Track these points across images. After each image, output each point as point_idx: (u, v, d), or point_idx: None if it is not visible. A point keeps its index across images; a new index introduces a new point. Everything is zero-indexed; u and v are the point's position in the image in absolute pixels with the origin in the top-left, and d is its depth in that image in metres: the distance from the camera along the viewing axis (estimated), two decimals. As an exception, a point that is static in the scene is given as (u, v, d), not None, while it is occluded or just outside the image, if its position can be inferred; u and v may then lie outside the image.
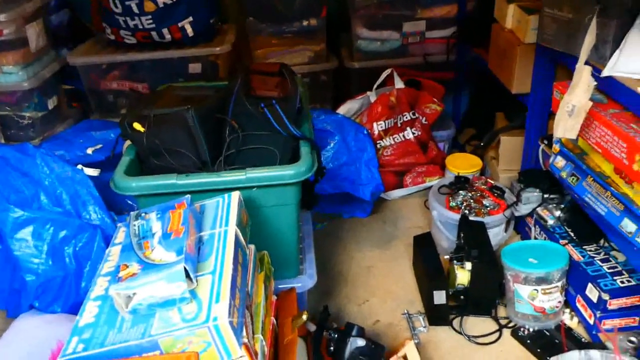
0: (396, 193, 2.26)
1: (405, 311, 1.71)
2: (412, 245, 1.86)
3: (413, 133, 2.21)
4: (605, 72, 1.29)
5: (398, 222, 2.17)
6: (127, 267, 0.95)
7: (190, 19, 2.17)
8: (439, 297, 1.63)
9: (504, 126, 2.10)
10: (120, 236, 1.13)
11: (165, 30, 2.17)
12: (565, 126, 1.21)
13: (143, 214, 1.11)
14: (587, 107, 1.20)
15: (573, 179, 1.52)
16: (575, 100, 1.18)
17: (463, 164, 2.14)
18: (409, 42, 2.48)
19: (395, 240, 2.07)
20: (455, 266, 1.68)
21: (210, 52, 2.21)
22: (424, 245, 1.80)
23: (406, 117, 2.21)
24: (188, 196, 1.12)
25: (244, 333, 0.96)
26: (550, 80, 1.64)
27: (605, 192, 1.38)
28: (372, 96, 2.21)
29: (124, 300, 0.91)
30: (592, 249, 1.61)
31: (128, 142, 1.41)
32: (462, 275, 1.67)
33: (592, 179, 1.44)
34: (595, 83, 1.30)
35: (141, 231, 1.05)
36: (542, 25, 1.55)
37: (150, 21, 2.12)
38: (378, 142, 2.18)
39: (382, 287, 1.84)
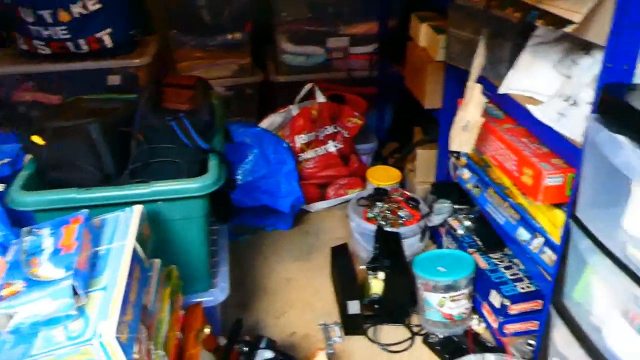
0: (318, 205, 2.28)
1: (322, 322, 1.73)
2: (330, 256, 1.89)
3: (335, 146, 2.25)
4: (501, 90, 1.37)
5: (320, 233, 2.19)
6: (11, 285, 0.92)
7: (109, 30, 2.13)
8: (353, 307, 1.66)
9: (419, 140, 2.17)
10: (10, 254, 1.09)
11: (81, 41, 2.11)
12: (460, 140, 1.27)
13: (35, 230, 1.07)
14: (480, 123, 1.27)
15: (477, 190, 1.59)
16: (468, 116, 1.24)
17: (383, 176, 2.20)
18: (333, 57, 2.53)
19: (316, 251, 2.09)
20: (370, 276, 1.72)
21: (129, 64, 2.17)
22: (340, 256, 1.83)
23: (328, 131, 2.25)
24: (85, 211, 1.10)
25: (136, 349, 0.94)
26: (459, 96, 1.71)
27: (504, 202, 1.46)
28: (294, 110, 2.24)
29: (4, 320, 0.87)
30: (497, 256, 1.69)
31: (29, 156, 1.36)
32: (376, 285, 1.71)
33: (493, 190, 1.51)
34: (487, 100, 1.37)
35: (30, 248, 1.01)
36: (448, 45, 1.62)
37: (66, 32, 2.07)
38: (300, 155, 2.20)
39: (300, 299, 1.86)
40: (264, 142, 1.93)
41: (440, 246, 1.96)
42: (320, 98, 2.22)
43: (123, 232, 1.10)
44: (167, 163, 1.32)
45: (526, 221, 1.36)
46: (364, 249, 1.93)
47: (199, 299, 1.41)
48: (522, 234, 1.38)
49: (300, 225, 2.23)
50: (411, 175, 2.22)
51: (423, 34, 1.89)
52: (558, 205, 1.23)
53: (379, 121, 2.66)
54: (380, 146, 2.56)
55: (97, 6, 2.05)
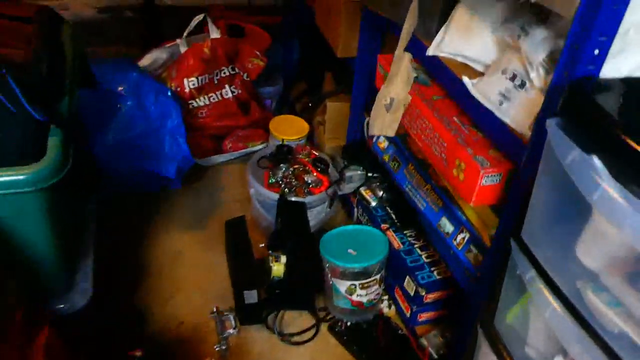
0: (214, 159, 1.98)
1: (214, 309, 1.49)
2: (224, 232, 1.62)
3: (232, 92, 1.92)
4: (430, 51, 1.11)
5: (215, 194, 1.90)
6: None
7: None
8: (250, 297, 1.43)
9: (330, 90, 1.89)
10: None
11: None
12: (382, 123, 1.02)
13: None
14: (407, 101, 1.01)
15: (395, 164, 1.36)
16: (393, 93, 0.98)
17: (289, 128, 1.91)
18: (233, -20, 2.13)
19: (210, 217, 1.81)
20: (271, 257, 1.48)
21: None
22: (236, 233, 1.57)
23: (224, 73, 1.90)
24: None
25: None
26: (377, 49, 1.43)
27: (426, 184, 1.25)
28: (182, 46, 1.85)
29: None
30: (413, 234, 1.51)
31: None
32: (278, 268, 1.48)
33: (413, 167, 1.29)
34: (415, 68, 1.11)
35: None
36: (366, -18, 1.32)
37: None
38: (190, 102, 1.85)
39: (191, 279, 1.59)
40: (142, 90, 1.55)
41: (350, 216, 1.75)
42: (215, 33, 1.85)
43: None
44: (-14, 139, 0.95)
45: (451, 211, 1.16)
46: (265, 219, 1.68)
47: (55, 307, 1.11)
48: (445, 225, 1.18)
49: (193, 183, 1.92)
50: (320, 130, 1.96)
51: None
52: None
53: (286, 58, 2.32)
54: (286, 87, 2.25)
55: None
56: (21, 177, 0.89)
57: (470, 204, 0.96)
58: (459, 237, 1.14)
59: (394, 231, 1.52)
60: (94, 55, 2.14)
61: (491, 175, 0.94)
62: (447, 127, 1.03)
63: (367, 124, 1.51)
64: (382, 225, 1.54)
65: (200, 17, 1.83)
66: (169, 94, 1.61)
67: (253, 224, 1.73)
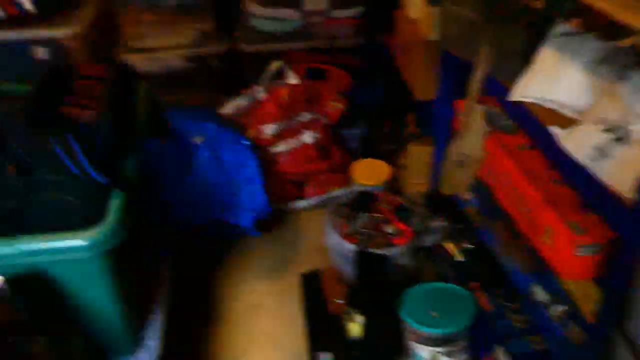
0: (297, 205, 1.93)
1: (288, 368, 1.41)
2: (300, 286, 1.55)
3: (312, 136, 1.87)
4: (513, 96, 0.98)
5: (295, 242, 1.85)
6: None
7: (28, -9, 1.72)
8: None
9: (412, 133, 1.79)
10: None
11: (-7, 5, 1.71)
12: (455, 181, 0.90)
13: None
14: (482, 158, 0.89)
15: (479, 218, 1.22)
16: (466, 149, 0.87)
17: (370, 173, 1.82)
18: (311, 22, 2.11)
19: (289, 266, 1.75)
20: (347, 315, 1.39)
21: (53, 34, 1.76)
22: (311, 287, 1.49)
23: (303, 118, 1.86)
24: None
25: None
26: (458, 93, 1.32)
27: (515, 244, 1.10)
28: (259, 92, 1.84)
29: None
30: (505, 295, 1.34)
31: None
32: (355, 328, 1.38)
33: (500, 222, 1.15)
34: (498, 113, 0.98)
35: None
36: (443, 22, 1.22)
37: (-27, -4, 1.66)
38: (269, 148, 1.83)
39: (265, 333, 1.53)
40: (218, 140, 1.55)
41: (434, 271, 1.61)
42: (292, 79, 1.82)
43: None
44: (52, 201, 0.97)
45: (545, 278, 1.01)
46: (343, 271, 1.59)
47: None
48: (538, 292, 1.02)
49: (273, 230, 1.87)
50: (403, 175, 1.85)
51: (414, 1, 1.46)
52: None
53: (369, 99, 2.25)
54: (370, 129, 2.16)
55: (8, -37, 1.64)
56: (78, 243, 0.88)
57: (561, 276, 0.81)
58: (554, 308, 0.98)
59: (482, 290, 1.36)
60: (183, 101, 2.23)
61: (588, 246, 0.78)
62: (533, 184, 0.89)
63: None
64: (470, 284, 1.39)
65: (277, 64, 1.82)
66: (246, 142, 1.59)
67: (331, 277, 1.65)
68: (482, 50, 0.91)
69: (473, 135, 0.90)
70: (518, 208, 0.93)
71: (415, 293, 1.35)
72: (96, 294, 1.00)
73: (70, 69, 1.22)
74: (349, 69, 2.13)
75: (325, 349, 1.31)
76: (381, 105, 2.21)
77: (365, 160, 1.91)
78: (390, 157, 1.95)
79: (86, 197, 0.97)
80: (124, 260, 1.02)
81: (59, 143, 0.94)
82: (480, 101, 1.05)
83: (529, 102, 0.96)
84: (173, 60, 2.12)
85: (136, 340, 1.15)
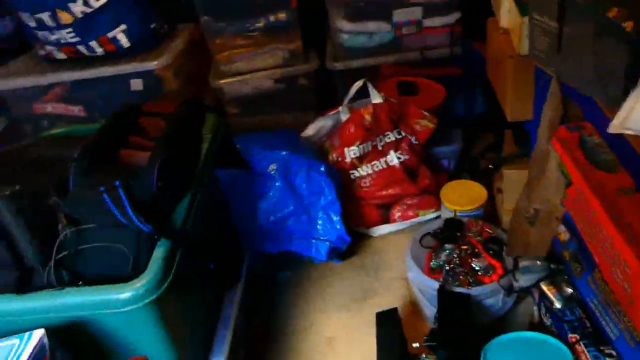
0: (381, 229, 1.82)
1: (360, 413, 1.32)
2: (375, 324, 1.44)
3: (398, 157, 1.75)
4: (612, 128, 0.79)
5: (380, 269, 1.74)
6: None
7: (123, 27, 1.80)
8: (394, 410, 1.22)
9: (509, 153, 1.59)
10: None
11: (93, 43, 1.81)
12: (525, 241, 0.74)
13: None
14: (560, 213, 0.72)
15: (576, 266, 1.03)
16: (537, 202, 0.71)
17: (462, 196, 1.66)
18: (403, 34, 1.98)
19: (372, 296, 1.65)
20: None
21: (145, 67, 1.83)
22: (387, 327, 1.37)
23: (389, 138, 1.75)
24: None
25: None
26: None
27: (619, 305, 0.90)
28: (343, 113, 1.76)
29: None
30: (613, 352, 1.13)
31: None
32: (431, 376, 1.25)
33: (601, 277, 0.95)
34: (597, 144, 0.80)
35: None
36: (532, 35, 1.04)
37: (73, 34, 1.77)
38: (352, 172, 1.73)
39: (339, 371, 1.45)
40: (291, 169, 1.49)
41: (530, 317, 1.41)
42: (376, 97, 1.71)
43: (0, 386, 0.77)
44: (104, 249, 0.96)
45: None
46: (424, 309, 1.46)
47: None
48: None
49: (357, 255, 1.79)
50: (499, 199, 1.66)
51: (506, 10, 1.29)
52: None
53: (467, 112, 2.07)
54: (467, 146, 1.99)
55: (102, 1, 1.71)
56: (122, 295, 0.86)
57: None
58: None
59: (585, 345, 1.15)
60: (274, 122, 2.21)
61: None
62: (634, 247, 0.70)
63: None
64: (570, 336, 1.18)
65: (359, 83, 1.72)
66: (322, 169, 1.52)
67: (412, 313, 1.52)
68: (551, 89, 0.74)
69: (547, 187, 0.73)
70: (612, 271, 0.74)
71: (504, 341, 1.19)
72: (143, 341, 0.98)
73: (137, 107, 1.23)
74: (444, 80, 1.98)
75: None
76: (479, 120, 2.03)
77: (457, 181, 1.74)
78: (486, 179, 1.77)
79: (134, 246, 0.96)
80: (171, 305, 1.00)
81: (108, 192, 0.93)
82: (574, 127, 0.87)
83: (634, 136, 0.78)
84: (262, 81, 2.11)
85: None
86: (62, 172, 1.00)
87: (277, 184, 1.46)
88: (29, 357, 0.80)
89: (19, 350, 0.82)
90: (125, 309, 0.87)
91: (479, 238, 1.48)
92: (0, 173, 1.06)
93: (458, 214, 1.63)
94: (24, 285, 0.94)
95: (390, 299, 1.61)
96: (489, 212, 1.67)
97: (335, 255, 1.61)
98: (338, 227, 1.51)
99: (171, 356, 1.02)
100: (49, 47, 1.86)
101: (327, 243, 1.49)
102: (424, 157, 1.81)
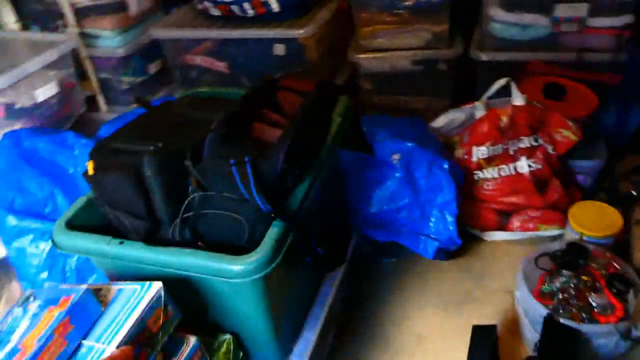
0: (495, 236, 1.75)
1: (438, 419, 1.31)
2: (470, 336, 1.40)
3: (529, 166, 1.64)
4: None
5: (486, 277, 1.68)
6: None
7: (278, -9, 1.84)
8: None
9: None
10: (6, 320, 0.95)
11: (246, 5, 1.88)
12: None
13: (31, 298, 0.91)
14: None
15: None
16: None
17: (594, 220, 1.53)
18: (562, 31, 1.82)
19: (472, 303, 1.60)
20: (514, 388, 1.22)
21: (289, 34, 1.86)
22: (482, 343, 1.33)
23: (523, 143, 1.64)
24: (81, 288, 0.89)
25: None
26: None
27: None
28: (478, 109, 1.68)
29: None
30: None
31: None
32: (519, 406, 1.20)
33: None
34: None
35: (7, 329, 0.85)
36: None
37: (228, -7, 1.85)
38: (476, 172, 1.66)
39: (424, 371, 1.45)
40: (414, 161, 1.46)
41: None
42: (518, 99, 1.61)
43: (119, 324, 0.87)
44: (225, 217, 1.02)
45: None
46: (526, 331, 1.39)
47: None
48: None
49: (465, 257, 1.74)
50: (636, 232, 1.50)
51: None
52: None
53: (618, 126, 1.88)
54: (610, 165, 1.81)
55: (260, -35, 1.76)
56: (234, 267, 0.92)
57: None
58: None
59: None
60: (403, 104, 2.18)
61: None
62: None
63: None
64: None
65: (503, 81, 1.62)
66: (445, 166, 1.47)
67: (511, 331, 1.46)
68: None
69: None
70: None
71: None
72: (244, 310, 1.04)
73: (276, 81, 1.26)
74: (597, 87, 1.80)
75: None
76: (630, 138, 1.83)
77: (591, 202, 1.61)
78: (625, 205, 1.61)
79: (252, 221, 1.01)
80: (276, 282, 1.04)
81: (237, 166, 0.98)
82: None
83: None
84: (401, 61, 2.07)
85: (284, 353, 1.18)
86: (200, 137, 1.06)
87: (397, 174, 1.44)
88: (147, 305, 0.89)
89: (139, 297, 0.91)
90: (234, 280, 0.92)
91: (603, 271, 1.37)
92: (147, 130, 1.15)
93: (584, 238, 1.51)
94: (151, 236, 1.04)
95: (490, 310, 1.55)
96: (621, 244, 1.53)
97: (439, 257, 1.58)
98: (451, 228, 1.47)
99: (267, 327, 1.08)
100: (206, 3, 1.96)
101: (437, 243, 1.46)
102: (559, 169, 1.68)
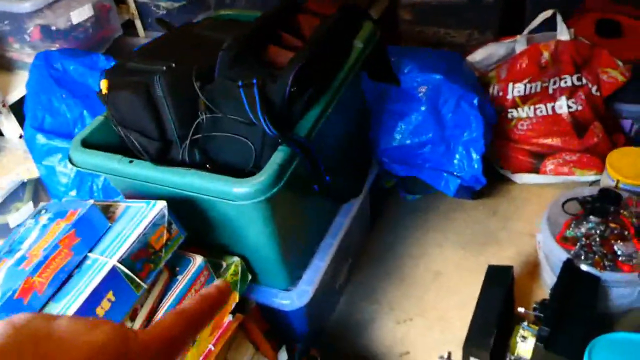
0: (527, 178, 1.68)
1: (446, 354, 1.31)
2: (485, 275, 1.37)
3: (569, 107, 1.55)
4: None
5: (512, 220, 1.63)
6: (-36, 288, 0.82)
7: None
8: (477, 365, 1.19)
9: None
10: (19, 231, 0.99)
11: None
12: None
13: (43, 211, 0.94)
14: None
15: None
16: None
17: (633, 167, 1.45)
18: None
19: (493, 244, 1.57)
20: (522, 330, 1.20)
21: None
22: (496, 283, 1.30)
23: (565, 82, 1.54)
24: (89, 202, 0.91)
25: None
26: None
27: None
28: (519, 44, 1.57)
29: None
30: None
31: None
32: (524, 347, 1.18)
33: None
34: None
35: (18, 239, 0.89)
36: None
37: None
38: (510, 110, 1.58)
39: (438, 307, 1.44)
40: (441, 95, 1.39)
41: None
42: (563, 34, 1.49)
43: (123, 239, 0.89)
44: (233, 141, 1.02)
45: None
46: (545, 276, 1.36)
47: (276, 301, 1.18)
48: None
49: (492, 198, 1.69)
50: (676, 181, 1.41)
51: None
52: None
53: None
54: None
55: None
56: (238, 189, 0.92)
57: None
58: None
59: None
60: (442, 37, 2.07)
61: None
62: None
63: None
64: None
65: (548, 13, 1.50)
66: (475, 102, 1.40)
67: (531, 275, 1.43)
68: None
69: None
70: None
71: (618, 340, 1.07)
72: (250, 233, 1.05)
73: (297, 4, 1.21)
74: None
75: (477, 355, 1.16)
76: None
77: (633, 149, 1.51)
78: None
79: (259, 144, 1.00)
80: (284, 207, 1.04)
81: (244, 88, 0.96)
82: None
83: None
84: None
85: (292, 279, 1.19)
86: (213, 58, 1.04)
87: (422, 107, 1.39)
88: (150, 221, 0.91)
89: (144, 214, 0.93)
90: (238, 203, 0.93)
91: (634, 220, 1.30)
92: (163, 50, 1.14)
93: (620, 185, 1.43)
94: (161, 156, 1.05)
95: (512, 253, 1.52)
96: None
97: (467, 194, 1.54)
98: (476, 166, 1.41)
99: (275, 252, 1.09)
100: None
101: (459, 180, 1.41)
102: (601, 112, 1.57)
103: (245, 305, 1.18)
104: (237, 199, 0.93)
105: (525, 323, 1.20)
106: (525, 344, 1.17)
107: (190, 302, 0.37)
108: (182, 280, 0.99)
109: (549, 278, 1.37)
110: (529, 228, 1.58)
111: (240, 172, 0.99)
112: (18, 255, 0.84)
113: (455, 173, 1.43)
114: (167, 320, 0.34)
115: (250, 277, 1.14)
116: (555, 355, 1.10)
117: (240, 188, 0.92)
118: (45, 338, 0.29)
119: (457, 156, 1.43)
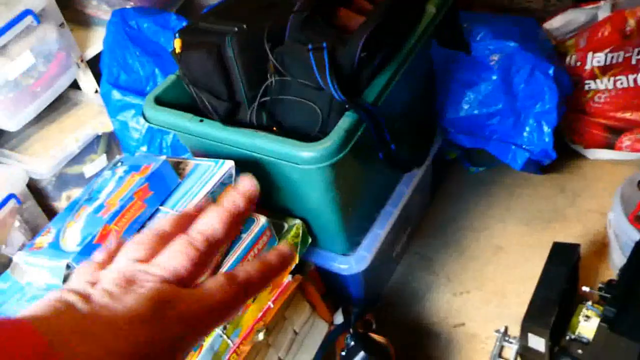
0: (600, 154, 1.61)
1: (502, 329, 1.30)
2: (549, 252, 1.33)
3: (653, 79, 1.45)
4: None
5: (581, 197, 1.57)
6: (48, 233, 0.88)
7: None
8: (536, 342, 1.18)
9: None
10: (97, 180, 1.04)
11: None
12: None
13: (119, 163, 0.99)
14: None
15: None
16: None
17: None
18: None
19: (560, 221, 1.52)
20: (584, 309, 1.17)
21: None
22: (561, 261, 1.27)
23: (651, 53, 1.44)
24: (161, 158, 0.95)
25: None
26: None
27: None
28: (602, 10, 1.47)
29: (19, 272, 0.86)
30: None
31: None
32: (587, 326, 1.16)
33: None
34: None
35: (97, 188, 0.94)
36: None
37: None
38: (588, 82, 1.50)
39: (496, 282, 1.43)
40: (514, 64, 1.33)
41: None
42: (653, 0, 1.39)
43: (192, 195, 0.93)
44: (301, 105, 1.02)
45: None
46: (615, 256, 1.31)
47: (334, 265, 1.20)
48: None
49: (561, 174, 1.63)
50: None
51: None
52: None
53: None
54: None
55: None
56: (303, 154, 0.93)
57: None
58: None
59: None
60: (517, 3, 1.97)
61: None
62: None
63: None
64: None
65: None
66: (550, 72, 1.34)
67: (599, 254, 1.38)
68: None
69: None
70: None
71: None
72: (312, 197, 1.06)
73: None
74: None
75: (536, 332, 1.15)
76: None
77: None
78: None
79: (327, 109, 1.00)
80: (347, 173, 1.05)
81: (314, 52, 0.95)
82: None
83: None
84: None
85: (351, 245, 1.21)
86: (284, 20, 1.04)
87: (493, 76, 1.34)
88: (218, 180, 0.94)
89: (212, 172, 0.96)
90: (302, 166, 0.94)
91: None
92: (236, 11, 1.14)
93: None
94: (230, 116, 1.07)
95: (578, 231, 1.47)
96: None
97: (535, 168, 1.49)
98: (547, 140, 1.36)
99: (336, 217, 1.11)
100: None
101: (527, 154, 1.36)
102: (690, 86, 1.47)
103: (305, 267, 1.20)
104: (303, 162, 0.94)
105: (590, 303, 1.17)
106: (588, 323, 1.15)
107: (250, 266, 0.35)
108: (245, 239, 1.01)
109: (617, 258, 1.31)
110: (599, 206, 1.51)
111: (305, 136, 1.00)
112: (97, 203, 0.89)
113: (524, 146, 1.38)
114: (221, 281, 0.33)
115: (310, 240, 1.16)
116: (619, 337, 1.07)
117: (307, 152, 0.93)
118: None
119: (527, 128, 1.38)
